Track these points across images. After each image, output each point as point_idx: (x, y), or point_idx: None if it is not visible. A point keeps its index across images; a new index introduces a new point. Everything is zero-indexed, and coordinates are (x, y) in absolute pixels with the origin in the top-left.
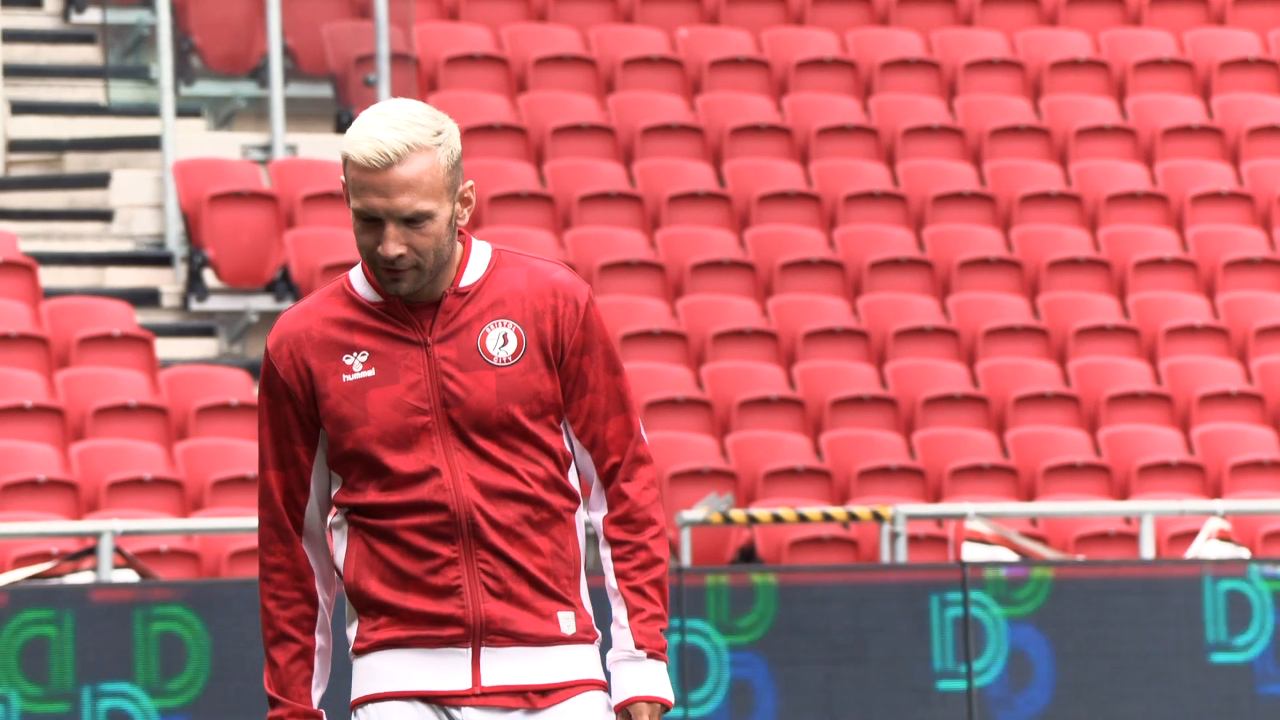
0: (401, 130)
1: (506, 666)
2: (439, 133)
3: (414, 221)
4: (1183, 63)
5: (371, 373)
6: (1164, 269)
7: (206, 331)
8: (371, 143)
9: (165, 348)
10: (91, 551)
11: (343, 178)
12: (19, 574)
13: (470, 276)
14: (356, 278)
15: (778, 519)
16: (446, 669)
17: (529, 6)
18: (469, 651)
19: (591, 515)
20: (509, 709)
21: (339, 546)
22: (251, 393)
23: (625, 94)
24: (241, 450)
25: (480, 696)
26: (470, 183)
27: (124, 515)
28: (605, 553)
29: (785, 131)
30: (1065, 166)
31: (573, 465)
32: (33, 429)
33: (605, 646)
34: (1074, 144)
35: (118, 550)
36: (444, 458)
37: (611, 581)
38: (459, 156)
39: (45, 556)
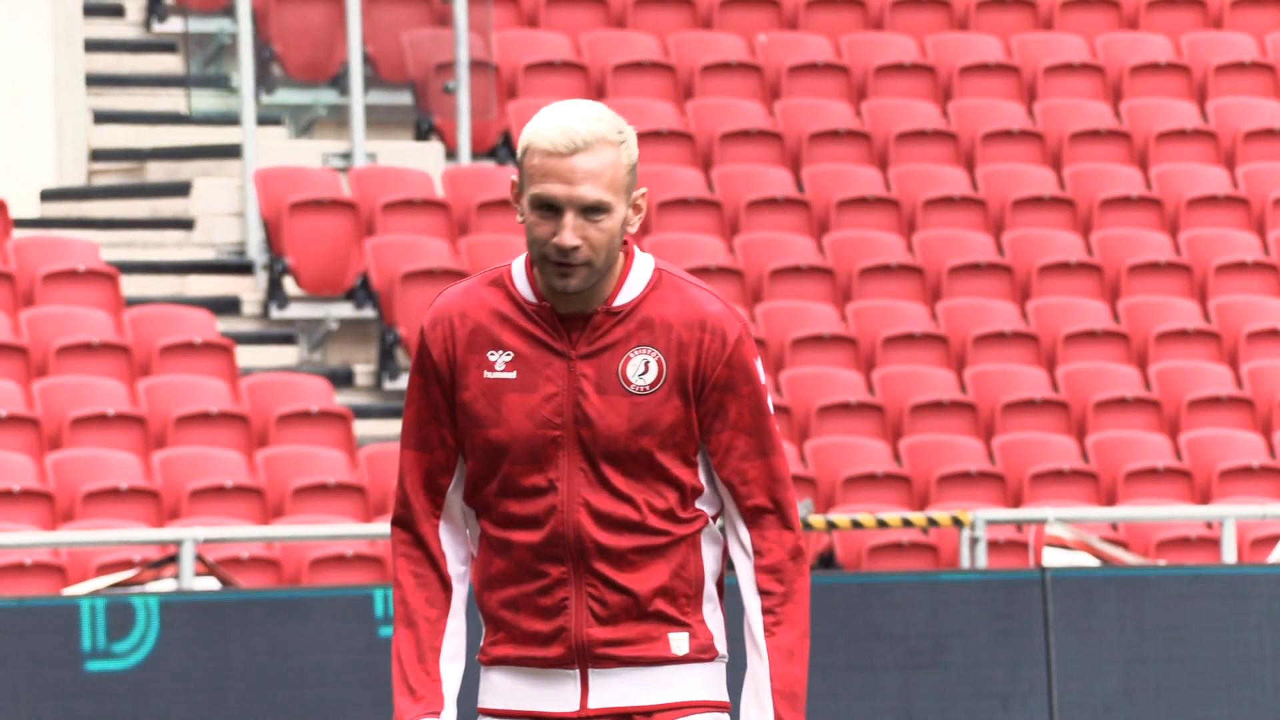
0: (588, 122)
1: (613, 689)
2: (621, 131)
3: (593, 212)
4: (1265, 65)
5: (513, 375)
6: (1246, 272)
7: (287, 339)
8: (559, 129)
9: (246, 355)
10: (173, 559)
11: (513, 178)
12: (101, 582)
13: (626, 295)
14: (518, 273)
15: (857, 524)
16: (555, 690)
17: (608, 13)
18: (577, 673)
19: (737, 562)
20: None
21: (472, 544)
22: (331, 400)
23: (704, 100)
24: (322, 458)
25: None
26: (643, 190)
27: (205, 523)
28: (754, 602)
29: (864, 136)
30: (1146, 170)
31: (702, 497)
32: (114, 437)
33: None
34: (1155, 148)
35: (199, 558)
36: (564, 477)
37: (758, 633)
38: (636, 161)
39: (127, 564)
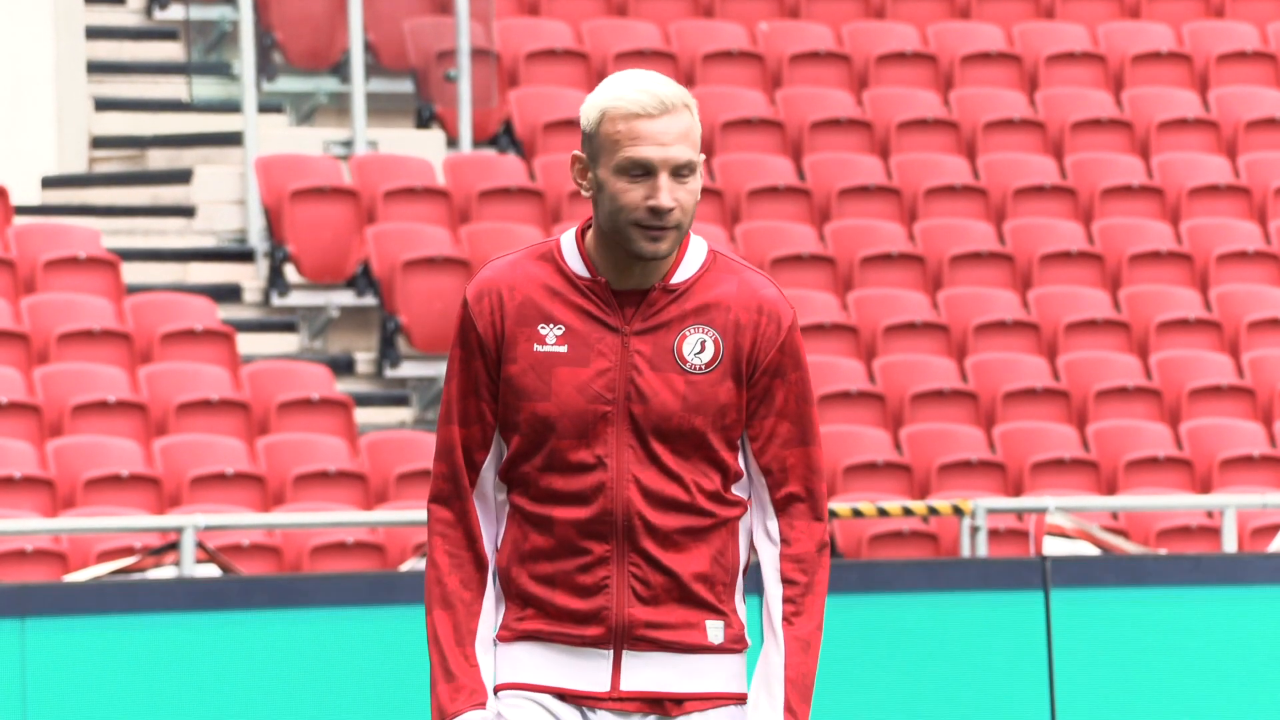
0: (666, 85)
1: (646, 673)
2: (688, 94)
3: (682, 173)
4: (1266, 55)
5: (564, 349)
6: (1247, 262)
7: (288, 327)
8: (646, 92)
9: (247, 343)
10: (174, 546)
11: (578, 153)
12: (102, 569)
13: (683, 273)
14: (568, 248)
15: (857, 513)
16: (587, 669)
17: (609, 1)
18: (610, 653)
19: (761, 548)
20: (645, 715)
21: (498, 523)
22: (332, 388)
23: (705, 88)
24: (323, 445)
25: (617, 701)
26: (703, 156)
27: (206, 510)
28: (776, 589)
29: (865, 125)
30: (1147, 159)
31: (740, 483)
32: (115, 424)
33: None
34: (1156, 137)
35: (200, 545)
36: (614, 453)
37: (777, 622)
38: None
39: (128, 551)
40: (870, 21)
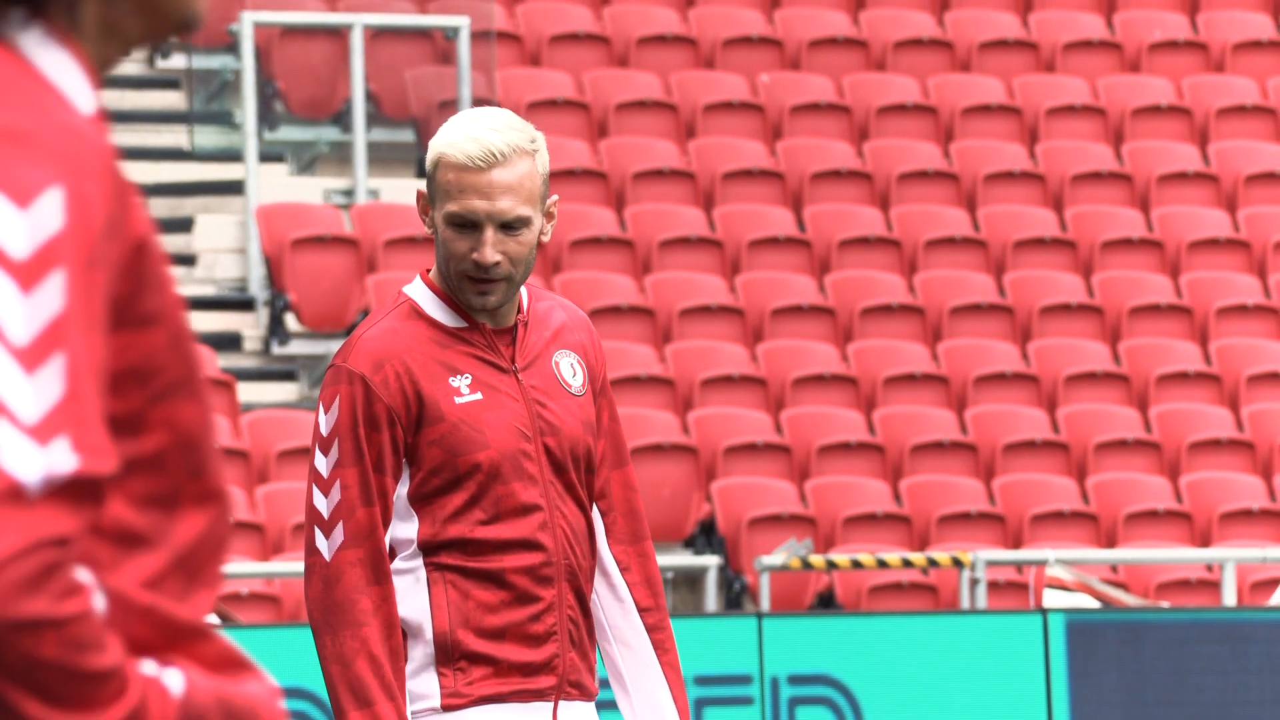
0: (502, 133)
1: None
2: (534, 139)
3: (512, 228)
4: (1266, 109)
5: (479, 396)
6: (1247, 316)
7: (288, 375)
8: (475, 142)
9: (247, 391)
10: None
11: (421, 189)
12: None
13: (525, 304)
14: (427, 302)
15: (857, 564)
16: None
17: (611, 52)
18: (551, 704)
19: (606, 573)
20: None
21: (413, 592)
22: None
23: (706, 139)
24: None
25: None
26: (555, 197)
27: None
28: (636, 619)
29: (866, 177)
30: (1147, 212)
31: None
32: None
33: None
34: (1156, 190)
35: None
36: (544, 491)
37: (646, 651)
38: (548, 169)
39: None
40: (871, 73)
